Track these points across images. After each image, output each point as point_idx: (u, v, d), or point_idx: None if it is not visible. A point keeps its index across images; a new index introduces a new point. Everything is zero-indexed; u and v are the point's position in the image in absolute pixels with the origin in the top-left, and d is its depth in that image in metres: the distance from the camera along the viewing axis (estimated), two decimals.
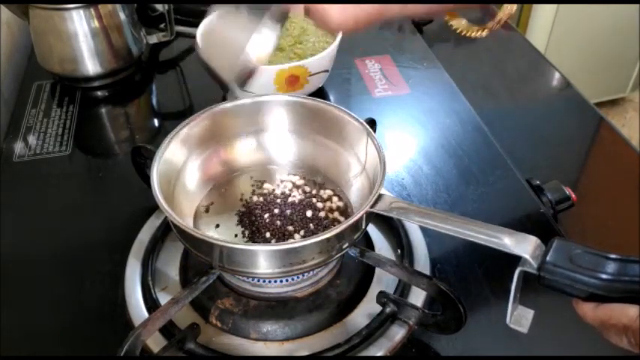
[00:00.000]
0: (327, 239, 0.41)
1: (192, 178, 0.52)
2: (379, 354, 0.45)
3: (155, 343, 0.45)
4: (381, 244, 0.55)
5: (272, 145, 0.56)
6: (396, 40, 0.89)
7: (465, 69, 0.87)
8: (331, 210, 0.51)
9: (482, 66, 0.90)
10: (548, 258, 0.35)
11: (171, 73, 0.84)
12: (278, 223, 0.49)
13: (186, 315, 0.48)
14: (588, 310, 0.34)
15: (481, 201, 0.60)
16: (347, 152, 0.52)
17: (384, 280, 0.51)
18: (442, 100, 0.76)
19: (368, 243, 0.54)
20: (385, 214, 0.43)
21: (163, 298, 0.48)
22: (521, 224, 0.57)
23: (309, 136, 0.55)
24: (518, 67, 0.90)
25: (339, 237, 0.42)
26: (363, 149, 0.50)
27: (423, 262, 0.52)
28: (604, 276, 0.33)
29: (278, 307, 0.47)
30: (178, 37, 0.87)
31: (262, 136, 0.55)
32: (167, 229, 0.55)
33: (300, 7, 0.45)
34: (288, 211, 0.50)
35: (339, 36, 0.72)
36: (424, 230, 0.55)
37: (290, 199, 0.51)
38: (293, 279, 0.47)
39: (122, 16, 0.77)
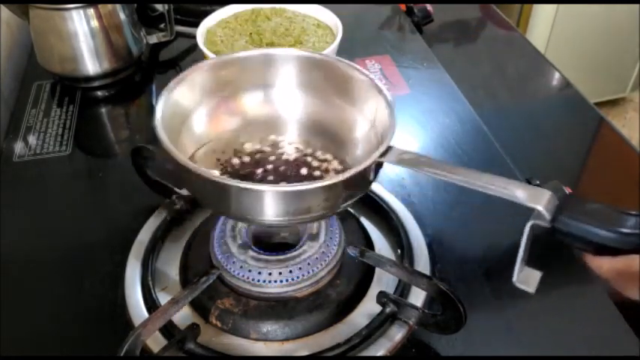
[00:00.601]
0: (334, 185, 0.39)
1: (198, 124, 0.50)
2: (379, 354, 0.45)
3: (155, 343, 0.45)
4: (381, 244, 0.55)
5: (279, 99, 0.53)
6: (396, 40, 0.89)
7: (465, 69, 0.87)
8: (327, 170, 0.49)
9: (482, 66, 0.90)
10: (563, 210, 0.34)
11: (171, 73, 0.84)
12: (271, 177, 0.48)
13: (186, 315, 0.48)
14: (604, 262, 0.34)
15: (481, 201, 0.60)
16: (356, 109, 0.51)
17: (384, 280, 0.51)
18: (442, 100, 0.76)
19: (368, 243, 0.54)
20: (395, 164, 0.41)
21: (163, 298, 0.48)
22: (521, 224, 0.57)
23: (318, 92, 0.53)
24: (518, 67, 0.90)
25: (347, 184, 0.40)
26: (373, 106, 0.49)
27: (423, 262, 0.52)
28: (624, 230, 0.33)
29: (278, 307, 0.47)
30: (178, 37, 0.87)
31: (270, 90, 0.53)
32: (167, 229, 0.55)
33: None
34: (283, 167, 0.49)
35: (339, 36, 0.72)
36: (424, 230, 0.55)
37: (290, 156, 0.50)
38: (293, 279, 0.47)
39: (122, 16, 0.77)
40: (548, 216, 0.35)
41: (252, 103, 0.53)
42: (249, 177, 0.48)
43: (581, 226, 0.34)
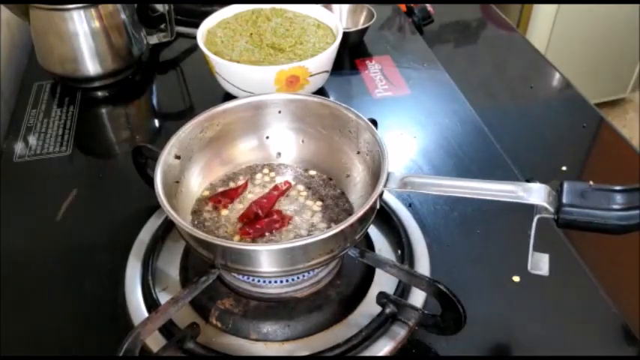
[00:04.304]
0: (335, 234, 0.40)
1: (196, 179, 0.52)
2: (379, 354, 0.45)
3: (155, 342, 0.45)
4: (381, 245, 0.55)
5: (274, 143, 0.55)
6: (397, 41, 0.89)
7: (465, 69, 0.87)
8: (333, 208, 0.51)
9: (482, 66, 0.90)
10: (563, 200, 0.38)
11: (171, 74, 0.84)
12: (281, 220, 0.49)
13: (186, 315, 0.48)
14: None
15: (481, 201, 0.60)
16: (348, 147, 0.52)
17: (384, 281, 0.51)
18: (442, 101, 0.76)
19: (368, 243, 0.54)
20: (400, 190, 0.44)
21: (164, 299, 0.48)
22: (521, 224, 0.57)
23: (310, 133, 0.54)
24: (518, 68, 0.90)
25: (361, 220, 0.42)
26: (363, 143, 0.50)
27: (423, 262, 0.52)
28: (616, 206, 0.37)
29: (278, 308, 0.47)
30: (179, 37, 0.87)
31: (263, 136, 0.55)
32: (167, 228, 0.55)
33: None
34: (291, 209, 0.50)
35: (340, 36, 0.72)
36: (424, 231, 0.55)
37: (292, 200, 0.51)
38: (293, 279, 0.47)
39: (123, 16, 0.77)
40: (551, 208, 0.38)
41: (246, 149, 0.55)
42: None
43: (583, 211, 0.37)
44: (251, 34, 0.74)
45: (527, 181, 0.63)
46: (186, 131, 0.50)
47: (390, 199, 0.58)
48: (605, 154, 0.74)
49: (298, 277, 0.47)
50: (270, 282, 0.47)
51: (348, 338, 0.45)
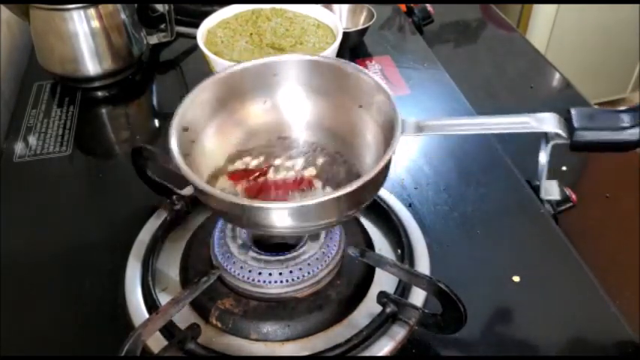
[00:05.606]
0: (355, 191, 0.39)
1: (210, 141, 0.50)
2: (380, 354, 0.45)
3: (155, 343, 0.45)
4: (381, 244, 0.55)
5: (286, 105, 0.53)
6: (397, 41, 0.89)
7: (466, 69, 0.87)
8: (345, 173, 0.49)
9: (482, 66, 0.90)
10: (575, 125, 0.41)
11: (171, 74, 0.84)
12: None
13: (187, 315, 0.48)
14: None
15: (481, 201, 0.60)
16: (361, 109, 0.50)
17: (384, 280, 0.51)
18: (442, 101, 0.76)
19: (368, 243, 0.54)
20: (417, 134, 0.44)
21: (164, 299, 0.48)
22: (522, 224, 0.57)
23: (324, 95, 0.52)
24: (518, 68, 0.90)
25: (375, 181, 0.42)
26: (375, 105, 0.48)
27: (423, 262, 0.52)
28: (626, 125, 0.40)
29: (278, 308, 0.47)
30: (179, 37, 0.87)
31: (276, 97, 0.53)
32: (167, 229, 0.55)
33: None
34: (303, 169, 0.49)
35: (340, 36, 0.72)
36: (424, 230, 0.55)
37: (307, 162, 0.50)
38: (293, 279, 0.47)
39: (123, 16, 0.77)
40: (565, 134, 0.41)
41: (258, 112, 0.53)
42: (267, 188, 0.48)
43: (595, 133, 0.40)
44: (251, 34, 0.74)
45: (527, 182, 0.63)
46: (200, 92, 0.48)
47: (390, 198, 0.58)
48: (605, 154, 0.74)
49: (298, 278, 0.47)
50: (270, 282, 0.47)
51: (349, 338, 0.45)
